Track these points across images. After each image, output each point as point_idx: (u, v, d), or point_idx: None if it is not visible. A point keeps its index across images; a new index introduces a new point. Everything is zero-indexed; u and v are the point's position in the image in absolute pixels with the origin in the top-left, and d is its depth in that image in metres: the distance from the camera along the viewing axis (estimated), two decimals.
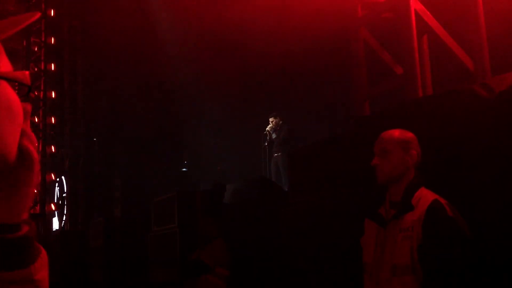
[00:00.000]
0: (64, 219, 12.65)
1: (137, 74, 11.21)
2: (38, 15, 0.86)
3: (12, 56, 0.89)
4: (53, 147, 13.58)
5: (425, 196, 2.36)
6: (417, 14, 5.88)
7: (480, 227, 2.61)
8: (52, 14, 13.84)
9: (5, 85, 0.82)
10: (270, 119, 10.06)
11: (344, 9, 6.57)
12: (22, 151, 0.86)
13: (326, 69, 9.95)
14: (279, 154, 9.60)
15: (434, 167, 3.00)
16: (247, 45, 11.30)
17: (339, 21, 7.37)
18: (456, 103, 3.25)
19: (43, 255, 0.89)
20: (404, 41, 5.91)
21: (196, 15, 11.68)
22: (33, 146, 0.88)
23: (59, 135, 13.50)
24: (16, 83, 0.84)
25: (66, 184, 12.75)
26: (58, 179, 13.18)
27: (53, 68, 14.15)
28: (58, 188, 13.10)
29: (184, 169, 10.99)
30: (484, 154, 2.97)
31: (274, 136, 9.83)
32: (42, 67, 14.25)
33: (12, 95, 0.83)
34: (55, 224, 12.90)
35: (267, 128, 9.94)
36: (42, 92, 14.13)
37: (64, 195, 12.75)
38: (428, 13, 5.96)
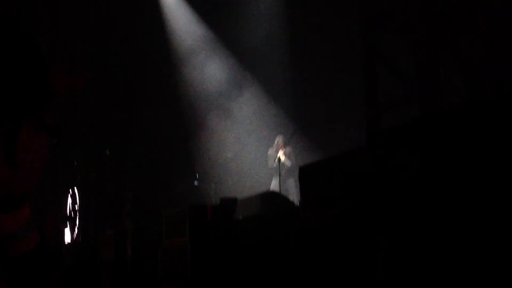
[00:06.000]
0: (76, 231, 12.68)
1: (150, 86, 11.27)
2: (84, 80, 0.97)
3: None
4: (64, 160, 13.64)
5: None
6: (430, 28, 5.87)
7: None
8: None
9: (45, 137, 0.91)
10: (280, 145, 9.92)
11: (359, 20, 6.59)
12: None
13: (340, 82, 9.95)
14: (292, 180, 9.52)
15: (449, 183, 2.97)
16: (264, 54, 11.33)
17: (352, 33, 7.38)
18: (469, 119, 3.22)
19: (59, 269, 0.91)
20: (418, 55, 5.90)
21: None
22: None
23: (72, 148, 13.55)
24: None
25: (78, 196, 12.79)
26: (70, 191, 13.23)
27: None
28: (70, 200, 13.16)
29: (195, 183, 10.98)
30: (505, 172, 2.92)
31: (289, 164, 9.73)
32: None
33: (46, 146, 0.93)
34: (67, 237, 12.94)
35: (280, 155, 9.80)
36: None
37: (76, 207, 12.79)
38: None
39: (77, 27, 12.16)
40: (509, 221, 2.84)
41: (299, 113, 11.03)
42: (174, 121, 11.41)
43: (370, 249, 2.57)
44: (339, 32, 9.33)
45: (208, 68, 11.70)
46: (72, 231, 12.73)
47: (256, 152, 11.30)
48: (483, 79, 5.83)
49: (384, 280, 2.43)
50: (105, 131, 11.85)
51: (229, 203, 6.72)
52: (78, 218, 12.54)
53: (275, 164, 9.59)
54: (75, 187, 12.91)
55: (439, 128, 3.43)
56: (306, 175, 4.93)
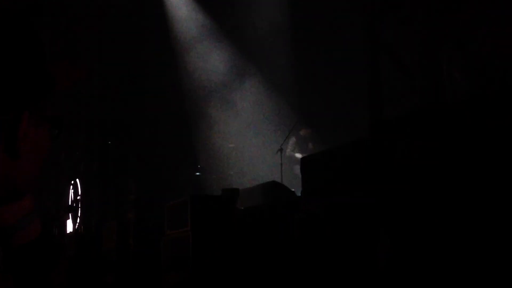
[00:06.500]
0: (78, 221, 12.71)
1: (151, 76, 11.26)
2: (85, 73, 0.97)
3: None
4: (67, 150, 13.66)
5: None
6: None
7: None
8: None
9: (46, 128, 0.93)
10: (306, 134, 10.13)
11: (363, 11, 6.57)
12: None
13: (343, 73, 9.92)
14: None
15: (452, 176, 2.96)
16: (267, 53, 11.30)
17: (356, 24, 7.35)
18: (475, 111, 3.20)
19: (63, 260, 0.91)
20: (423, 46, 5.87)
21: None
22: None
23: (74, 138, 13.56)
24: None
25: (80, 187, 12.82)
26: (72, 182, 13.26)
27: None
28: (72, 190, 13.19)
29: (197, 173, 10.99)
30: (507, 163, 2.91)
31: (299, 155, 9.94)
32: None
33: (47, 137, 0.93)
34: (69, 227, 12.98)
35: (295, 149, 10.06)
36: None
37: (78, 197, 12.82)
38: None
39: (77, 18, 12.14)
40: None
41: (301, 103, 11.01)
42: (176, 112, 11.41)
43: (371, 241, 2.56)
44: (342, 22, 9.29)
45: (210, 58, 11.67)
46: (74, 222, 12.78)
47: (257, 143, 11.30)
48: (485, 73, 5.81)
49: (387, 271, 2.43)
50: (107, 122, 11.85)
51: (231, 194, 6.73)
52: (81, 209, 12.58)
53: (288, 153, 9.87)
54: (77, 178, 12.95)
55: (443, 120, 3.41)
56: (308, 165, 4.92)
